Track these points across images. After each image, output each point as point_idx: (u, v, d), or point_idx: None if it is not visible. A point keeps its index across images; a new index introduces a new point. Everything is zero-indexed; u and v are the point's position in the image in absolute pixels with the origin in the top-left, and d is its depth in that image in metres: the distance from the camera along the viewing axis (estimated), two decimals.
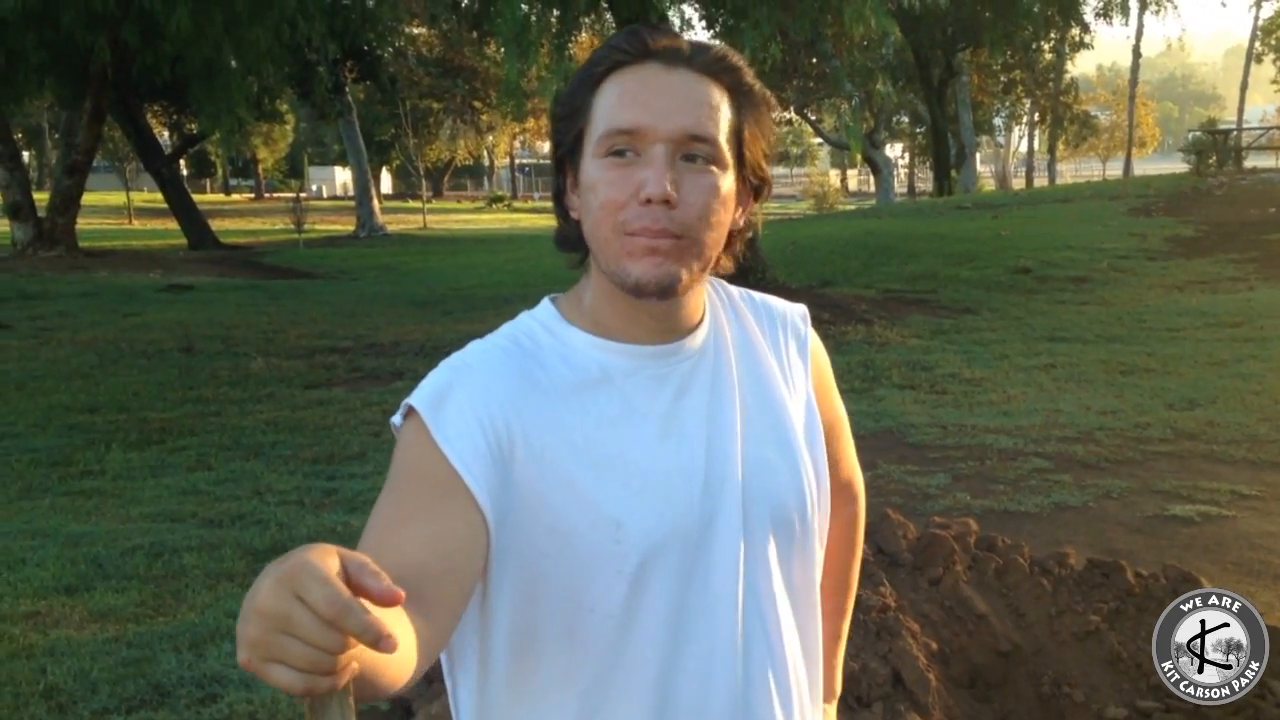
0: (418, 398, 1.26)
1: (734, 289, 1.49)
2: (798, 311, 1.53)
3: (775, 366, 1.44)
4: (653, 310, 1.33)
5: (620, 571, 1.27)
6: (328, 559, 0.88)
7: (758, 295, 1.52)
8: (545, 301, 1.41)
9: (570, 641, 1.29)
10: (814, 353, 1.52)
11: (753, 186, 1.36)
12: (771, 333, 1.47)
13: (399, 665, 1.01)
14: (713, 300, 1.44)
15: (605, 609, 1.28)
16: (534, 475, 1.26)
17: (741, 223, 1.36)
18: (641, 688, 1.30)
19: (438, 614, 1.12)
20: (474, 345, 1.35)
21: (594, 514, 1.26)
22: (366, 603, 0.86)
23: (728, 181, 1.30)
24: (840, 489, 1.61)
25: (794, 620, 1.41)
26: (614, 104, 1.27)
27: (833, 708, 1.77)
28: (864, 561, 3.81)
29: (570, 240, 1.39)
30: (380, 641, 0.84)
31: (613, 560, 1.27)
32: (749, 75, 1.33)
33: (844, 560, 1.72)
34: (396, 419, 1.29)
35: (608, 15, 15.15)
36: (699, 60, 1.29)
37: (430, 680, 3.70)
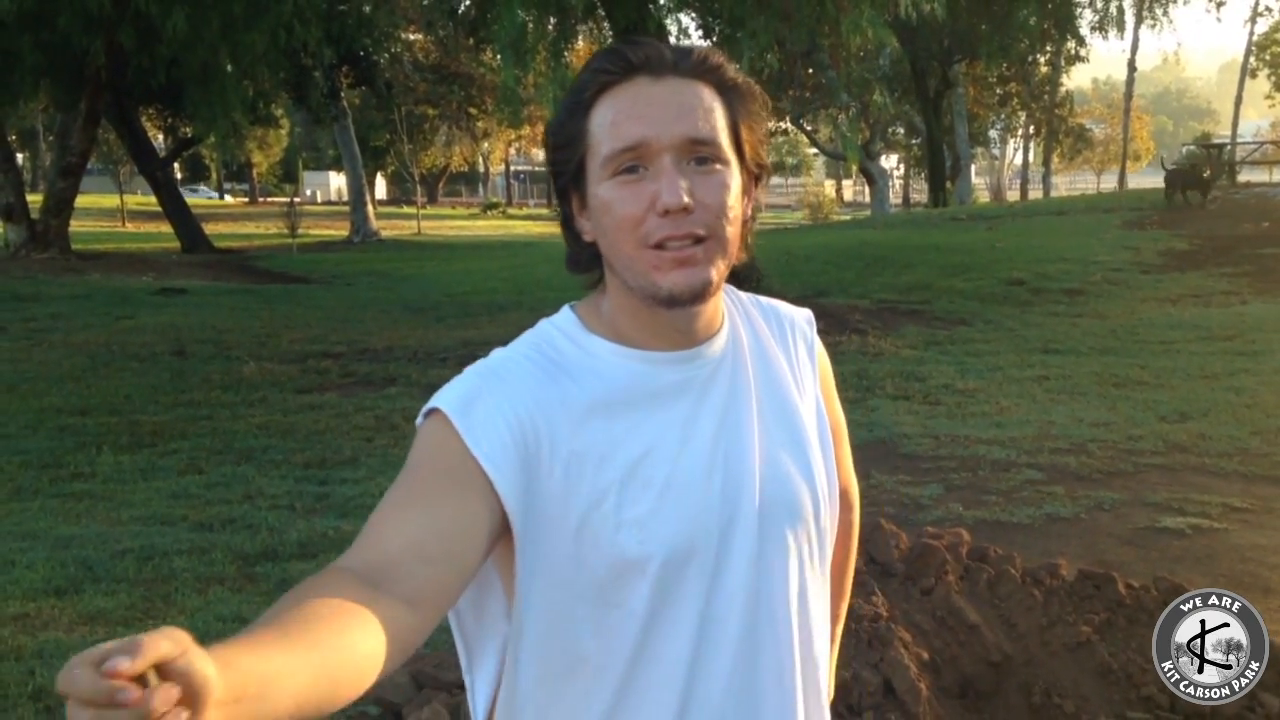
0: (444, 400, 1.28)
1: (744, 294, 1.52)
2: (804, 315, 1.57)
3: (787, 370, 1.47)
4: (676, 320, 1.35)
5: (644, 572, 1.30)
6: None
7: (765, 299, 1.55)
8: (565, 309, 1.43)
9: (599, 635, 1.32)
10: (820, 357, 1.55)
11: (753, 175, 1.38)
12: (781, 336, 1.50)
13: (355, 668, 1.02)
14: (728, 306, 1.46)
15: (630, 606, 1.31)
16: (561, 479, 1.28)
17: (749, 212, 1.38)
18: (668, 684, 1.33)
19: (428, 597, 1.14)
20: (498, 353, 1.36)
21: (618, 518, 1.29)
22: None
23: (735, 176, 1.32)
24: (839, 495, 1.62)
25: (808, 621, 1.44)
26: (611, 124, 1.28)
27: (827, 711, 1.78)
28: (856, 571, 3.81)
29: (583, 263, 1.40)
30: (111, 695, 0.79)
31: (637, 561, 1.30)
32: (732, 70, 1.35)
33: (839, 567, 1.73)
34: (420, 418, 1.30)
35: (605, 23, 15.15)
36: (683, 65, 1.31)
37: (420, 686, 3.69)
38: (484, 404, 1.27)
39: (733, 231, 1.31)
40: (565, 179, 1.35)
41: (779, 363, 1.46)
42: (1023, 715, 3.56)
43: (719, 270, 1.30)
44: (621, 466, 1.30)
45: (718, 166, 1.30)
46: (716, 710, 1.35)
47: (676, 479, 1.32)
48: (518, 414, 1.27)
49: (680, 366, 1.37)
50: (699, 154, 1.28)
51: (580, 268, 1.41)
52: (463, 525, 1.20)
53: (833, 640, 1.76)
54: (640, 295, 1.31)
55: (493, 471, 1.23)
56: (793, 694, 1.41)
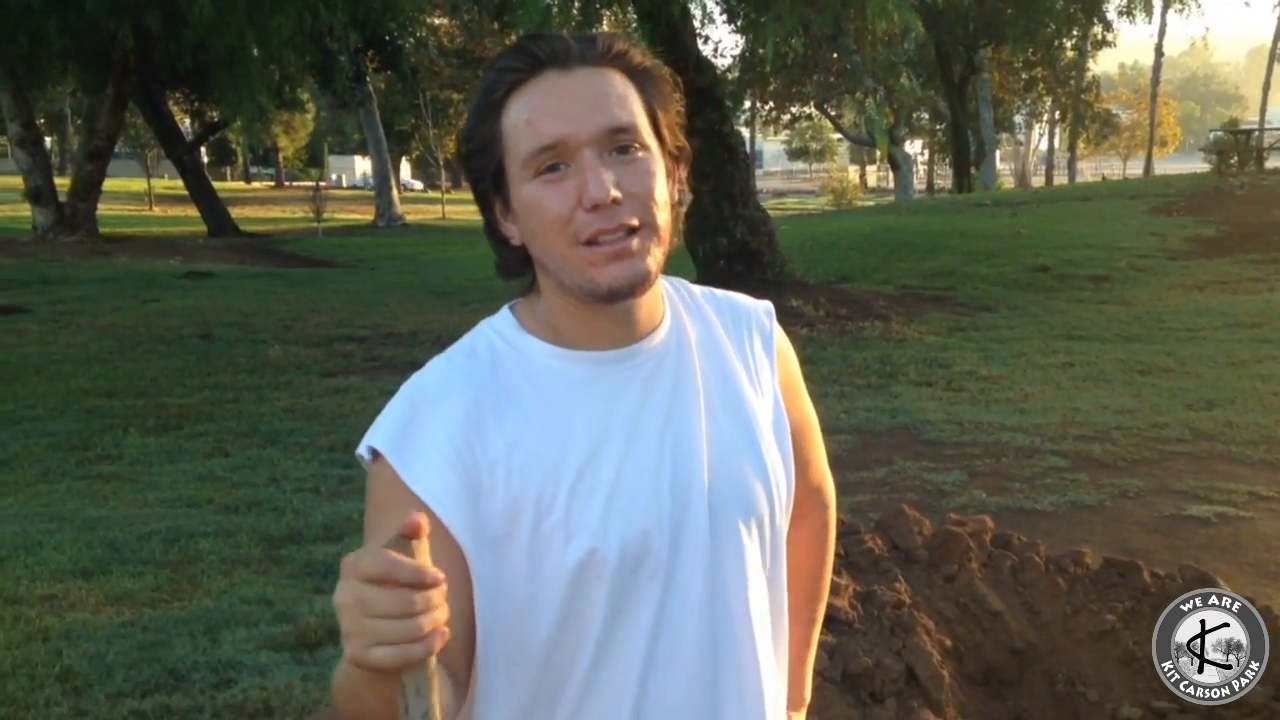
0: (380, 436, 1.27)
1: (696, 288, 1.48)
2: (763, 308, 1.51)
3: (739, 364, 1.43)
4: (613, 315, 1.31)
5: (599, 578, 1.28)
6: (376, 545, 0.96)
7: (720, 292, 1.51)
8: (504, 310, 1.40)
9: (557, 645, 1.30)
10: (781, 350, 1.51)
11: (674, 158, 1.35)
12: (735, 330, 1.46)
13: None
14: (672, 299, 1.42)
15: (588, 614, 1.29)
16: (506, 497, 1.26)
17: (677, 196, 1.35)
18: (625, 689, 1.31)
19: (462, 674, 1.24)
20: (432, 366, 1.34)
21: (568, 526, 1.27)
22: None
23: (658, 161, 1.29)
24: (809, 494, 1.59)
25: (765, 619, 1.41)
26: (526, 123, 1.26)
27: (801, 715, 1.76)
28: (880, 557, 3.81)
29: (514, 268, 1.38)
30: (430, 579, 0.95)
31: (591, 568, 1.27)
32: (639, 54, 1.32)
33: (815, 569, 1.71)
34: (363, 452, 1.29)
35: (629, 7, 15.12)
36: (590, 55, 1.28)
37: None
38: (418, 435, 1.25)
39: (665, 218, 1.28)
40: (485, 184, 1.32)
41: (730, 357, 1.43)
42: (1046, 703, 3.56)
43: (656, 260, 1.28)
44: (566, 474, 1.28)
45: (640, 153, 1.27)
46: (673, 714, 1.33)
47: (624, 481, 1.29)
48: (453, 440, 1.25)
49: (620, 365, 1.34)
50: (620, 143, 1.25)
51: (511, 273, 1.38)
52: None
53: (809, 644, 1.74)
54: (578, 294, 1.28)
55: (437, 507, 1.21)
56: (756, 698, 1.39)
